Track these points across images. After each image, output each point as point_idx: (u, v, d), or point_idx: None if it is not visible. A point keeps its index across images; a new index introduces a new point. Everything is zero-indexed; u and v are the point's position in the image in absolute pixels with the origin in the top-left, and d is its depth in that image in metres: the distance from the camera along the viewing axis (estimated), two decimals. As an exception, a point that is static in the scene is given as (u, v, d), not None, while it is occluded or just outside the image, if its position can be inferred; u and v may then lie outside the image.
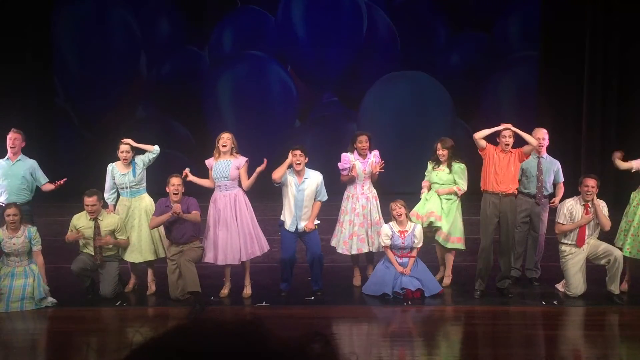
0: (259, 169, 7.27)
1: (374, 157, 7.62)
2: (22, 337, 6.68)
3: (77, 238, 7.28)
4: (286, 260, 7.36)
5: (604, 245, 7.26)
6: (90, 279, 7.41)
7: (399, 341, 6.57)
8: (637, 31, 12.00)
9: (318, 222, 7.45)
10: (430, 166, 7.84)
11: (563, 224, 7.26)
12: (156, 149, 7.66)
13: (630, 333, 6.78)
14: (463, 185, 7.66)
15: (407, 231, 7.35)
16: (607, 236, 7.63)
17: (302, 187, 7.32)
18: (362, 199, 7.62)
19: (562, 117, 12.76)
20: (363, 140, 7.57)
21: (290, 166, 7.34)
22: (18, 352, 6.29)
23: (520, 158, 7.32)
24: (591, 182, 7.17)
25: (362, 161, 7.59)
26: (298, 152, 7.28)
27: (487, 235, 7.36)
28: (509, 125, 7.32)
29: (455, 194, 7.64)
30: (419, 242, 7.40)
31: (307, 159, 7.34)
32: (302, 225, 7.29)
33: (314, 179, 7.39)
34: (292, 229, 7.31)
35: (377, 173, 7.62)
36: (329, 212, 8.57)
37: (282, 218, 7.44)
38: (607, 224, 7.22)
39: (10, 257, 7.16)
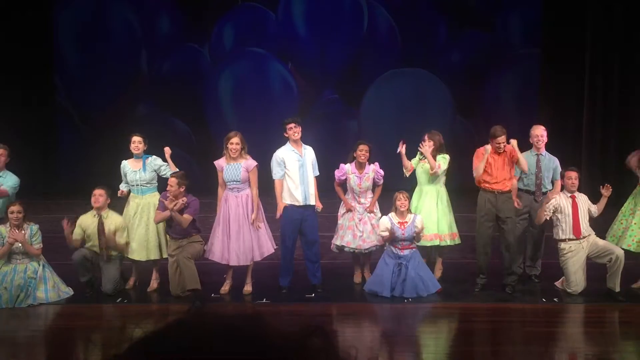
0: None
1: (373, 171, 7.61)
2: (23, 334, 6.69)
3: (70, 226, 7.27)
4: (288, 247, 7.37)
5: (605, 244, 7.27)
6: (90, 274, 7.40)
7: (399, 338, 6.58)
8: (638, 28, 11.99)
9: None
10: (418, 156, 7.83)
11: (542, 217, 7.36)
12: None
13: (630, 330, 6.78)
14: (443, 166, 7.66)
15: (407, 222, 7.32)
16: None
17: (304, 159, 7.36)
18: (359, 209, 7.64)
19: (563, 115, 12.75)
20: (363, 150, 7.55)
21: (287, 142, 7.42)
22: (19, 349, 6.30)
23: (511, 160, 7.38)
24: (573, 174, 7.36)
25: (358, 175, 7.57)
26: (292, 124, 7.31)
27: (483, 231, 7.40)
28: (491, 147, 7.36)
29: (436, 169, 7.63)
30: (420, 231, 7.38)
31: (300, 128, 7.36)
32: (312, 201, 7.33)
33: (310, 151, 7.50)
34: (304, 202, 7.31)
35: (381, 185, 7.64)
36: (330, 210, 8.57)
37: (284, 202, 7.39)
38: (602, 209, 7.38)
39: (12, 255, 7.17)
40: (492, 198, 7.36)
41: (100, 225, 7.33)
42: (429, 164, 7.58)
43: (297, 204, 7.33)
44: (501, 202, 7.34)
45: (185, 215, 7.09)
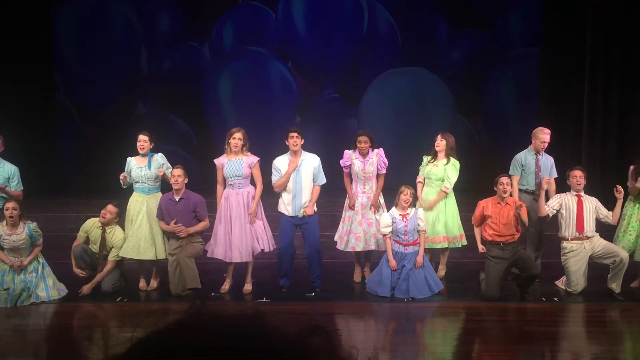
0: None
1: (376, 155, 7.59)
2: (23, 332, 6.69)
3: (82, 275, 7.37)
4: (284, 251, 7.36)
5: (609, 245, 7.25)
6: (89, 272, 7.40)
7: (399, 337, 6.58)
8: (639, 27, 11.98)
9: (315, 209, 7.44)
10: (425, 160, 7.83)
11: (544, 207, 7.36)
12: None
13: (631, 329, 6.79)
14: (451, 183, 7.65)
15: (408, 214, 7.30)
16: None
17: (299, 170, 7.32)
18: (362, 198, 7.59)
19: (562, 114, 12.75)
20: (362, 141, 7.52)
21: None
22: (18, 347, 6.30)
23: (516, 214, 7.22)
24: (579, 173, 7.35)
25: (362, 160, 7.56)
26: (295, 134, 7.29)
27: (492, 281, 7.10)
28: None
29: (445, 192, 7.65)
30: (424, 225, 7.32)
31: (302, 140, 7.34)
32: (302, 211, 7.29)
33: (311, 161, 7.40)
34: (294, 213, 7.30)
35: (384, 175, 7.62)
36: (332, 208, 8.58)
37: (279, 209, 7.42)
38: (617, 220, 7.32)
39: (10, 254, 7.15)
40: (499, 250, 7.17)
41: (103, 239, 7.38)
42: (438, 165, 7.64)
43: (287, 213, 7.36)
44: (510, 251, 7.14)
45: (201, 224, 7.28)
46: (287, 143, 7.35)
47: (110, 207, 7.41)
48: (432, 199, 7.68)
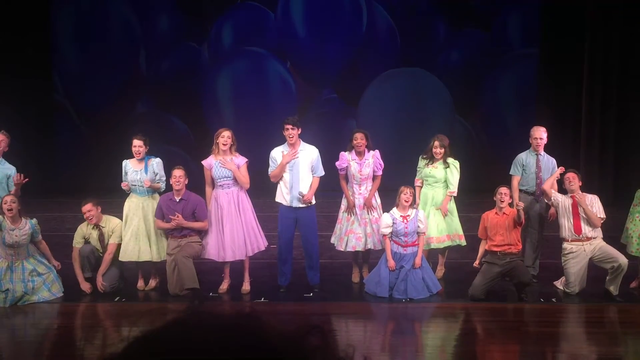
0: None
1: (372, 157, 7.58)
2: (22, 332, 6.69)
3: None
4: (283, 245, 7.36)
5: (610, 250, 7.25)
6: (91, 273, 7.41)
7: (397, 337, 6.58)
8: (637, 28, 11.99)
9: (314, 202, 7.42)
10: (422, 162, 7.82)
11: (550, 186, 7.47)
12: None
13: (629, 330, 6.79)
14: (454, 187, 7.66)
15: (409, 215, 7.30)
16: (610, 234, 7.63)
17: (297, 161, 7.29)
18: (359, 199, 7.59)
19: (561, 115, 12.76)
20: (358, 138, 7.51)
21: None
22: (17, 348, 6.30)
23: (512, 220, 7.19)
24: (571, 175, 7.43)
25: (358, 161, 7.55)
26: (289, 126, 7.24)
27: (479, 282, 7.13)
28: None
29: (450, 197, 7.66)
30: (424, 227, 7.33)
31: (299, 129, 7.29)
32: (301, 204, 7.27)
33: (309, 152, 7.38)
34: (292, 203, 7.28)
35: (380, 176, 7.61)
36: (331, 209, 8.57)
37: (277, 199, 7.41)
38: (594, 220, 7.26)
39: (8, 250, 7.13)
40: (497, 259, 7.16)
41: (101, 235, 7.39)
42: (437, 167, 7.64)
43: (285, 204, 7.35)
44: (507, 260, 7.13)
45: (198, 223, 7.24)
46: (285, 160, 7.34)
47: (88, 206, 7.30)
48: (440, 204, 7.66)
